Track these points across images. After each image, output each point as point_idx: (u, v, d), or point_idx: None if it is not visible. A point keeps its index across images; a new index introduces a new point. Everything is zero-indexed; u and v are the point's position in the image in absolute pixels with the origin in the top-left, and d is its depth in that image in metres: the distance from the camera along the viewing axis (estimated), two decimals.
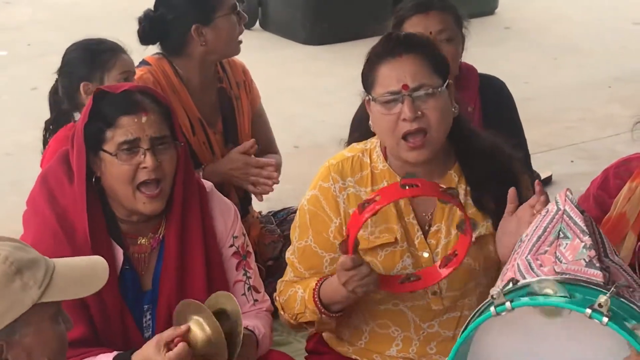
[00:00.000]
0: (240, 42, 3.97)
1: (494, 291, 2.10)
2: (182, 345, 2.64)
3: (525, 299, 2.07)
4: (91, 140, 2.80)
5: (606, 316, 1.99)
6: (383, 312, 2.99)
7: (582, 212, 2.39)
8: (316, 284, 2.94)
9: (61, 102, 3.70)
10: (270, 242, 4.12)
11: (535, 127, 5.65)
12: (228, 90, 4.03)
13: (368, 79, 2.92)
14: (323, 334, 3.16)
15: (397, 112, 2.84)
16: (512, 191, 2.80)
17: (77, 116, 3.66)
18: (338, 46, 7.78)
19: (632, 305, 2.03)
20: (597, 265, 2.26)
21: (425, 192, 2.77)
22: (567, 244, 2.32)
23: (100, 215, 2.84)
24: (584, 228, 2.32)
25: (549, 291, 2.03)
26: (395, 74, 2.85)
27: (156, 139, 2.80)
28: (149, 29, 3.93)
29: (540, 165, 5.18)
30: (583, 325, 2.09)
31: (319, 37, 7.95)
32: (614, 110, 6.54)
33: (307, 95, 6.92)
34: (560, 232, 2.34)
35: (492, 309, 2.10)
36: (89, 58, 3.62)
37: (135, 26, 3.97)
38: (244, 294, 3.01)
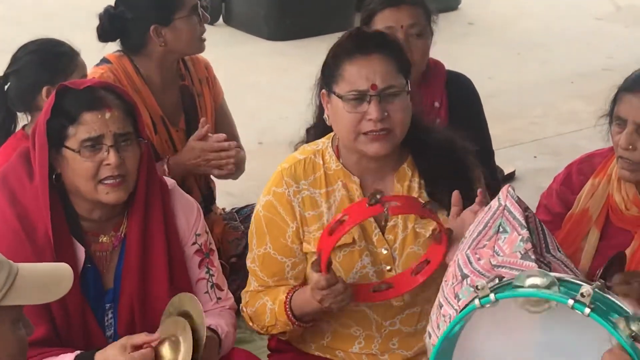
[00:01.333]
0: (204, 40, 3.94)
1: (478, 283, 2.09)
2: (149, 351, 2.63)
3: (509, 291, 2.06)
4: (53, 137, 2.77)
5: (589, 307, 1.98)
6: (344, 312, 2.99)
7: (525, 209, 2.42)
8: (286, 297, 2.94)
9: (11, 103, 3.63)
10: (233, 239, 4.10)
11: (499, 122, 5.68)
12: (190, 88, 4.01)
13: (332, 74, 2.90)
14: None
15: (363, 111, 2.84)
16: (455, 194, 2.81)
17: (28, 119, 3.62)
18: (302, 42, 7.79)
19: (615, 301, 2.03)
20: (533, 257, 2.29)
21: (405, 210, 2.79)
22: (505, 237, 2.36)
23: (62, 213, 2.80)
24: (523, 222, 2.35)
25: (536, 281, 2.02)
26: (364, 73, 2.84)
27: (120, 135, 2.78)
28: (108, 26, 3.90)
29: (504, 160, 5.20)
30: (566, 318, 2.08)
31: (282, 32, 7.95)
32: (576, 106, 6.58)
33: (271, 91, 6.91)
34: (500, 227, 2.38)
35: (476, 301, 2.09)
36: (49, 62, 3.56)
37: (95, 23, 3.93)
38: (207, 292, 2.99)
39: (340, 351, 3.05)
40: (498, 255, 2.32)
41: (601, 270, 2.69)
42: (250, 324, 3.07)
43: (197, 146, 3.82)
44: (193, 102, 4.01)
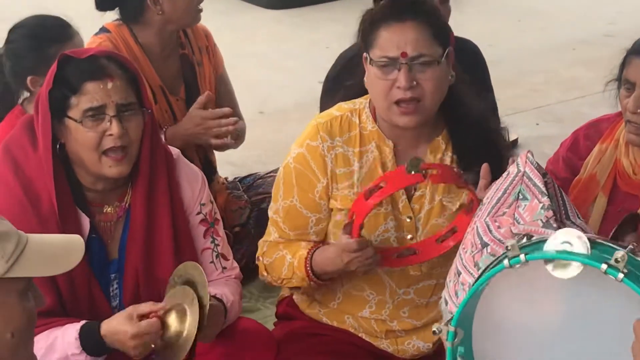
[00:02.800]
0: (201, 10, 3.91)
1: (508, 243, 2.04)
2: (155, 320, 2.64)
3: (540, 252, 1.99)
4: (56, 107, 2.75)
5: (622, 272, 1.92)
6: (359, 276, 2.99)
7: (543, 175, 2.39)
8: (308, 253, 2.94)
9: (6, 78, 3.59)
10: (237, 208, 4.09)
11: (500, 89, 5.62)
12: (190, 57, 3.98)
13: (368, 38, 2.89)
14: (294, 296, 3.17)
15: (393, 78, 2.83)
16: (485, 167, 2.80)
17: (25, 95, 3.59)
18: (301, 10, 7.72)
19: None
20: (554, 225, 2.26)
21: (443, 179, 2.78)
22: (525, 205, 2.32)
23: (66, 183, 2.79)
24: (543, 189, 2.32)
25: (568, 242, 1.96)
26: (396, 39, 2.82)
27: (122, 105, 2.76)
28: None
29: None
30: (595, 282, 2.02)
31: (281, 1, 7.88)
32: (578, 73, 6.55)
33: (270, 60, 6.88)
34: (520, 194, 2.34)
35: (505, 261, 2.03)
36: (34, 48, 3.51)
37: None
38: (212, 261, 2.98)
39: (349, 316, 3.05)
40: (519, 223, 2.28)
41: (614, 231, 2.67)
42: (265, 274, 3.07)
43: (198, 114, 3.79)
44: (193, 71, 3.98)
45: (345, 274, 2.97)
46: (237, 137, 3.95)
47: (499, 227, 2.32)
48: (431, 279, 3.01)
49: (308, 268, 2.94)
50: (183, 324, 2.65)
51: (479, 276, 2.10)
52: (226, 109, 3.85)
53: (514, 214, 2.31)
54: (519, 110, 5.96)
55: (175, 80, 3.94)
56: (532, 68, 6.66)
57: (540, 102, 6.11)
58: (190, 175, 2.97)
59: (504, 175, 2.48)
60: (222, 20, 6.94)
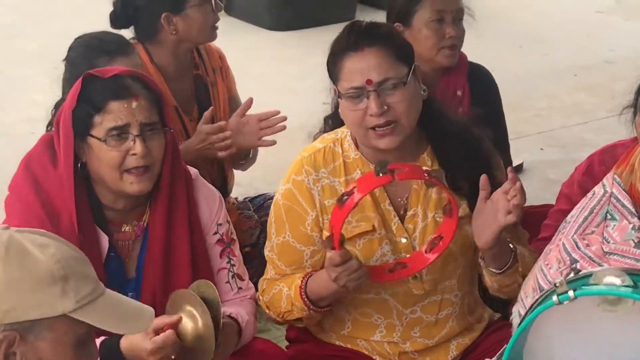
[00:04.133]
0: (216, 28, 3.93)
1: (556, 279, 2.04)
2: (170, 332, 2.64)
3: (589, 288, 2.00)
4: (79, 125, 2.76)
5: None
6: (365, 301, 2.99)
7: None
8: (302, 281, 2.93)
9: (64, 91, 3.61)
10: (247, 228, 4.09)
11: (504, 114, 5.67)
12: (204, 77, 4.00)
13: (333, 72, 2.90)
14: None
15: (364, 107, 2.83)
16: (483, 178, 2.80)
17: None
18: (304, 32, 7.75)
19: None
20: None
21: (410, 175, 2.76)
22: (614, 225, 2.31)
23: (86, 202, 2.81)
24: (632, 210, 2.32)
25: (614, 280, 1.96)
26: (358, 68, 2.82)
27: (146, 124, 2.77)
28: (120, 12, 3.88)
29: (511, 153, 5.18)
30: None
31: (285, 23, 7.90)
32: (580, 99, 6.58)
33: (273, 82, 6.88)
34: (608, 214, 2.34)
35: (554, 297, 2.03)
36: (87, 57, 3.50)
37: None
38: (228, 281, 2.99)
39: (362, 340, 3.05)
40: (608, 242, 2.27)
41: None
42: (267, 311, 3.06)
43: (202, 130, 3.80)
44: (207, 91, 4.00)
45: (350, 302, 2.97)
46: (245, 157, 3.97)
47: (587, 244, 2.31)
48: (436, 294, 3.00)
49: (304, 296, 2.92)
50: (195, 321, 2.65)
51: (527, 313, 2.11)
52: (221, 122, 3.83)
53: (602, 233, 2.31)
54: (522, 135, 5.97)
55: (189, 101, 3.96)
56: (535, 93, 6.68)
57: (544, 127, 6.13)
58: (208, 195, 2.98)
59: (589, 195, 2.48)
60: (225, 41, 6.91)
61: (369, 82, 2.81)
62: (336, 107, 3.11)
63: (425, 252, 2.88)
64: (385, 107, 2.81)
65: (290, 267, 3.01)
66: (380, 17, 4.27)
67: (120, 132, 2.75)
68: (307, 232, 2.97)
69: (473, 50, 6.38)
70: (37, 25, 7.77)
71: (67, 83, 3.53)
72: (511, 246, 2.85)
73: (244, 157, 4.02)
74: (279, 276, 3.03)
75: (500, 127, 3.92)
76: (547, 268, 2.39)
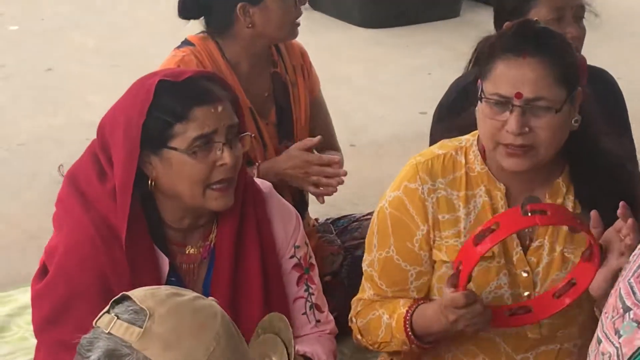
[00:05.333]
0: (298, 24, 3.92)
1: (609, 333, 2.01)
2: None
3: None
4: (152, 138, 2.76)
5: None
6: (470, 339, 2.96)
7: None
8: (407, 311, 2.91)
9: None
10: (328, 254, 4.08)
11: (633, 128, 5.57)
12: (283, 76, 3.99)
13: (484, 66, 2.87)
14: None
15: (503, 119, 2.80)
16: (594, 214, 2.76)
17: None
18: (400, 30, 7.72)
19: None
20: None
21: (556, 221, 2.75)
22: None
23: (143, 221, 2.81)
24: None
25: None
26: (512, 76, 2.79)
27: (230, 127, 2.78)
28: (190, 1, 3.88)
29: None
30: None
31: (377, 19, 7.89)
32: None
33: (363, 86, 6.89)
34: None
35: None
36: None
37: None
38: (305, 313, 2.99)
39: None
40: None
41: None
42: (359, 337, 3.05)
43: (301, 156, 3.80)
44: (286, 92, 3.99)
45: (452, 337, 2.93)
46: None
47: None
48: (554, 343, 2.97)
49: (408, 329, 2.91)
50: None
51: None
52: (336, 157, 3.86)
53: None
54: None
55: (266, 102, 3.95)
56: None
57: None
58: (283, 213, 2.97)
59: None
60: (308, 39, 6.91)
61: (518, 95, 2.77)
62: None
63: (554, 296, 2.85)
64: (527, 129, 2.78)
65: (392, 288, 2.99)
66: (488, 14, 4.24)
67: (207, 141, 2.75)
68: (414, 249, 2.95)
69: (595, 54, 6.29)
70: (97, 16, 7.91)
71: None
72: None
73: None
74: (378, 297, 3.02)
75: (627, 139, 3.83)
76: (605, 317, 2.34)
